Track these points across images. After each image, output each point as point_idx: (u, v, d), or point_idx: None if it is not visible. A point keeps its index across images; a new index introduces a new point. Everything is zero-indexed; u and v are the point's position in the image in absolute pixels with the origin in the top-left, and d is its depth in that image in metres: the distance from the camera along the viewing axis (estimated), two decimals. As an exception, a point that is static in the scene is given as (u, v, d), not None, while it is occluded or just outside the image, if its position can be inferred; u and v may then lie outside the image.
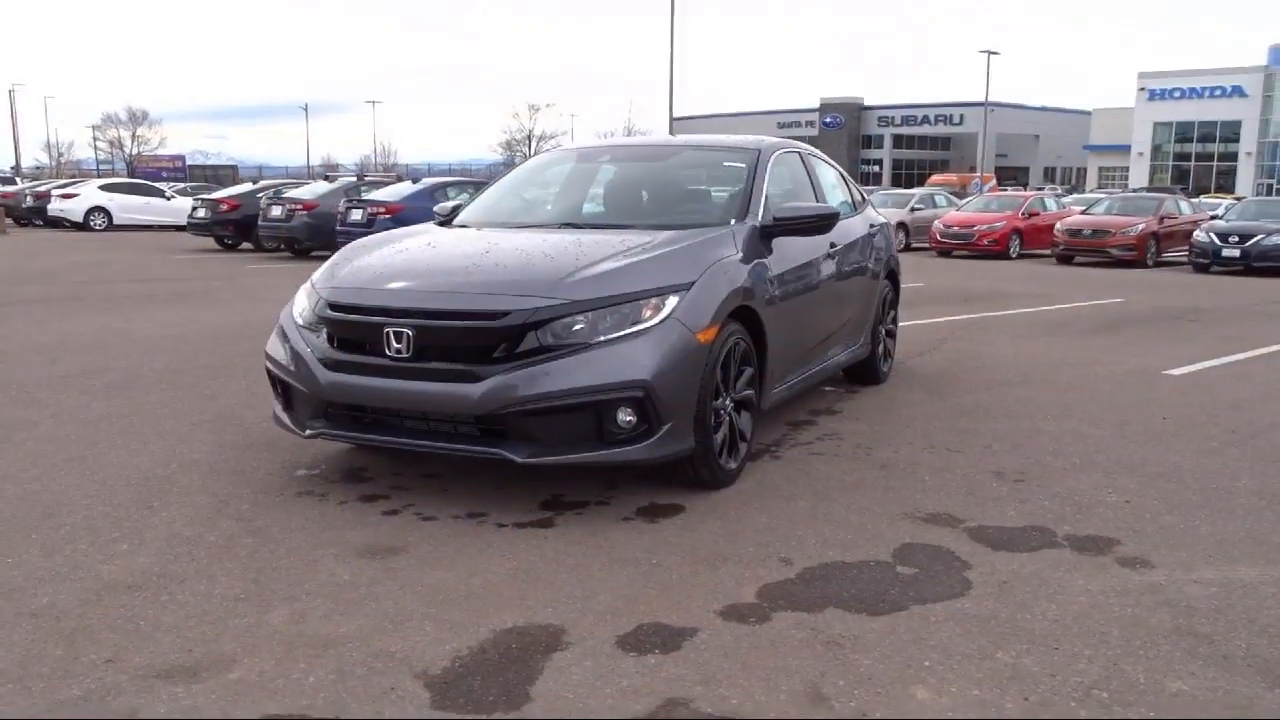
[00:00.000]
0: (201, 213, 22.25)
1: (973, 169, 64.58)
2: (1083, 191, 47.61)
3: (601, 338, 4.10)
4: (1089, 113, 66.79)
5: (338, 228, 18.43)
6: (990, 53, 52.84)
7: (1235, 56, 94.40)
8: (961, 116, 69.80)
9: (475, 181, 21.28)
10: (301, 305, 4.72)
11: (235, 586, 3.49)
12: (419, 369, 4.16)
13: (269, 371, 4.81)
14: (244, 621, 3.22)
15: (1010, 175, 63.38)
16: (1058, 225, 22.86)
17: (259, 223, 20.39)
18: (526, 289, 4.19)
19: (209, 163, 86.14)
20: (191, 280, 15.12)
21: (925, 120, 71.85)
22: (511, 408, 4.02)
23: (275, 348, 4.70)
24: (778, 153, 5.86)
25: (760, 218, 5.21)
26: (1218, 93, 53.89)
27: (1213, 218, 23.20)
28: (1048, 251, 23.50)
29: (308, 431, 4.51)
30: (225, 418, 6.03)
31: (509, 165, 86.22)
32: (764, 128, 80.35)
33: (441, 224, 5.73)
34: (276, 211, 19.93)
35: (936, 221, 24.49)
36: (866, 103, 74.67)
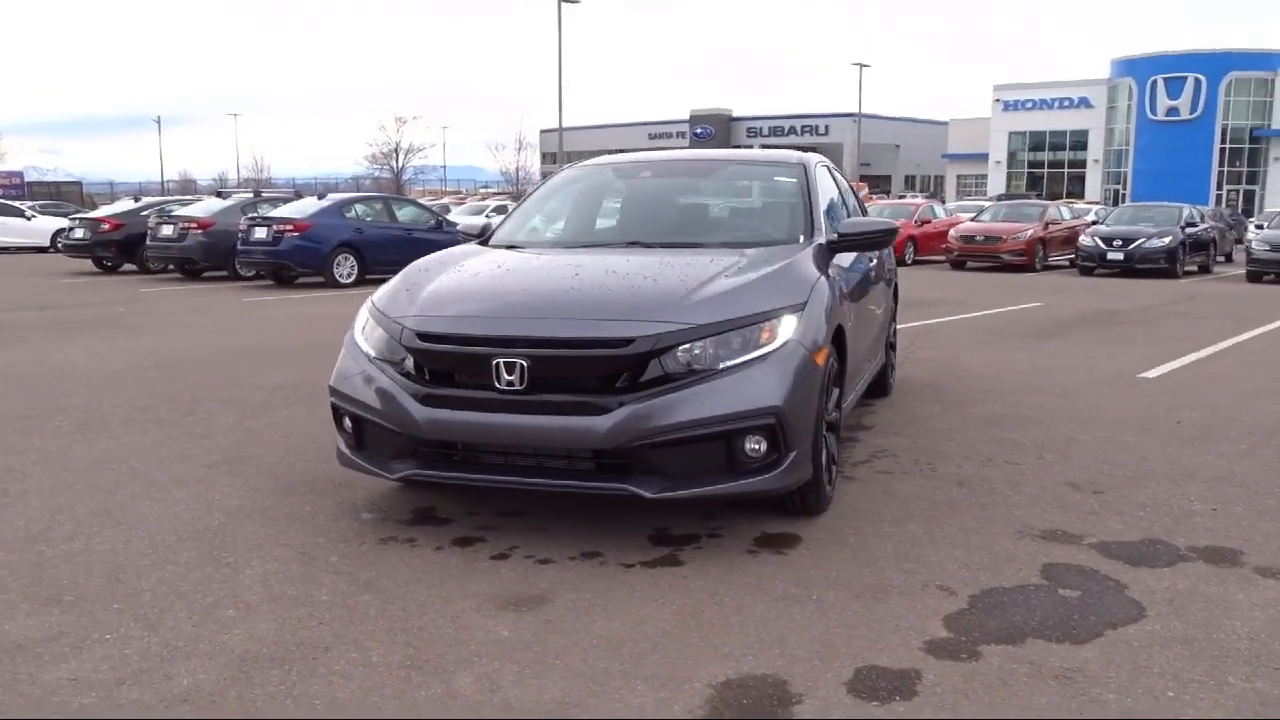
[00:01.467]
0: (79, 233, 20.84)
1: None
2: (943, 199, 49.46)
3: (727, 362, 3.91)
4: (945, 123, 69.50)
5: (239, 246, 17.61)
6: (862, 65, 54.52)
7: (1082, 69, 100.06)
8: (827, 127, 71.66)
9: (384, 197, 20.67)
10: (374, 335, 4.36)
11: (392, 652, 3.16)
12: (535, 402, 3.88)
13: (338, 409, 4.43)
14: (432, 693, 2.91)
15: (874, 184, 65.33)
16: (952, 232, 23.60)
17: (148, 242, 19.22)
18: (645, 313, 3.96)
19: (44, 179, 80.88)
20: (92, 306, 14.11)
21: (792, 131, 73.43)
22: (641, 440, 3.79)
23: (349, 383, 4.32)
24: (816, 166, 5.77)
25: (825, 234, 5.10)
26: (1066, 104, 56.85)
27: (1093, 223, 24.39)
28: (940, 258, 24.23)
29: (396, 474, 4.16)
30: (237, 458, 5.57)
31: (375, 179, 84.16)
32: (636, 138, 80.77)
33: (483, 244, 5.42)
34: (167, 230, 18.83)
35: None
36: (735, 114, 75.96)
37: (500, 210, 34.70)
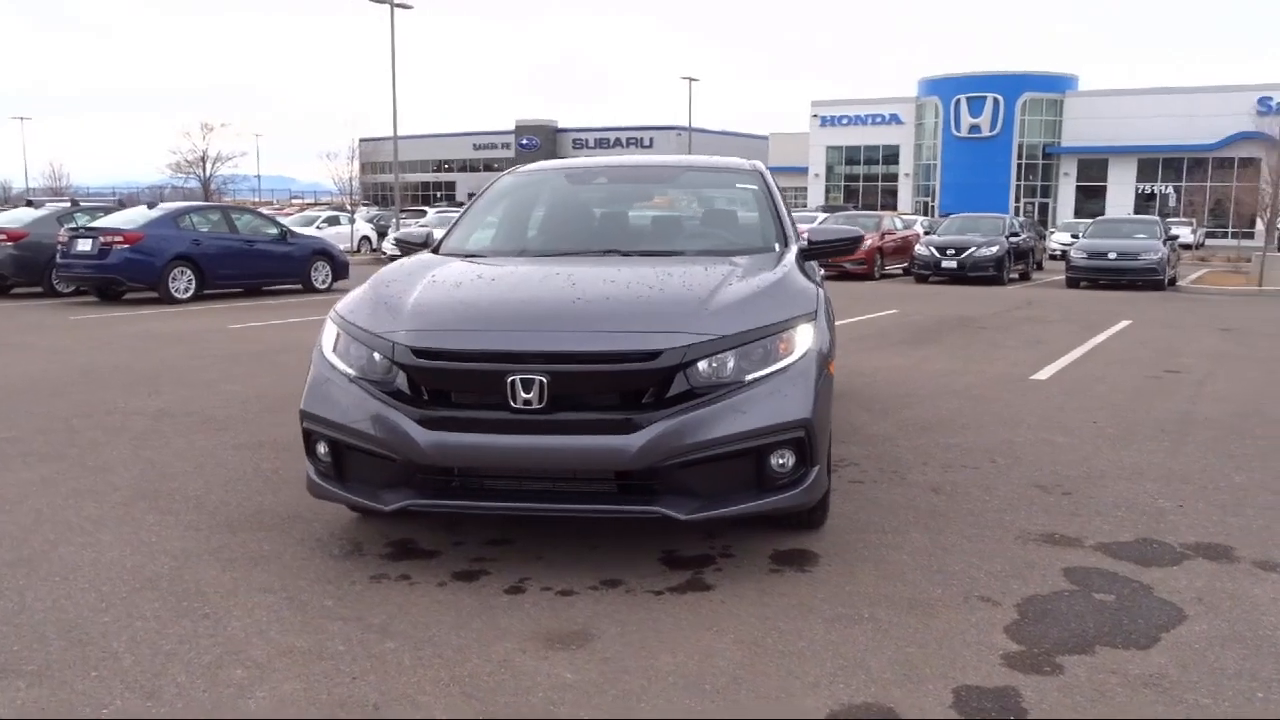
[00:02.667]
0: None
1: (664, 190, 67.25)
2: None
3: (753, 375, 3.73)
4: (765, 137, 71.69)
5: (59, 260, 16.22)
6: (691, 79, 55.44)
7: (893, 87, 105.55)
8: (651, 139, 72.60)
9: (222, 207, 19.41)
10: (352, 353, 3.95)
11: (455, 706, 2.83)
12: (556, 421, 3.59)
13: (311, 434, 3.99)
14: (524, 751, 2.60)
15: (698, 195, 66.58)
16: (795, 242, 24.15)
17: (-53, 256, 17.41)
18: (665, 324, 3.74)
19: None
20: (-104, 326, 12.63)
21: (618, 143, 74.00)
22: (674, 459, 3.57)
23: (326, 406, 3.90)
24: (768, 173, 5.69)
25: (796, 241, 5.01)
26: (879, 120, 59.59)
27: (927, 233, 25.55)
28: (783, 267, 24.77)
29: (391, 505, 3.78)
30: (154, 494, 5.00)
31: (177, 188, 79.39)
32: (460, 148, 79.73)
33: (435, 254, 5.04)
34: (-30, 243, 17.10)
35: None
36: (561, 125, 75.98)
37: (332, 221, 33.44)
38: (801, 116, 62.43)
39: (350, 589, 3.73)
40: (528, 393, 3.59)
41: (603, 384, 3.67)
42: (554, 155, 74.96)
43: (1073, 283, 21.44)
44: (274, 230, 18.07)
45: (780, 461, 3.76)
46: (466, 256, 4.88)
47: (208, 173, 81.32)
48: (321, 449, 3.98)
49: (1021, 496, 4.95)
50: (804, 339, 3.91)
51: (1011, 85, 54.26)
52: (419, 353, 3.74)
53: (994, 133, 54.53)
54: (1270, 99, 48.52)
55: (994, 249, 22.01)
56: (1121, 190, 53.39)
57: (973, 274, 21.84)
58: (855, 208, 50.15)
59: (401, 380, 3.78)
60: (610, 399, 3.68)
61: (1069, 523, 4.54)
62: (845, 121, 60.21)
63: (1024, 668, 3.08)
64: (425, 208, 44.35)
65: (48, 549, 4.19)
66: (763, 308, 3.95)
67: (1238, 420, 6.90)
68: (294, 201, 76.20)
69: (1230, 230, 47.06)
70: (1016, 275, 23.58)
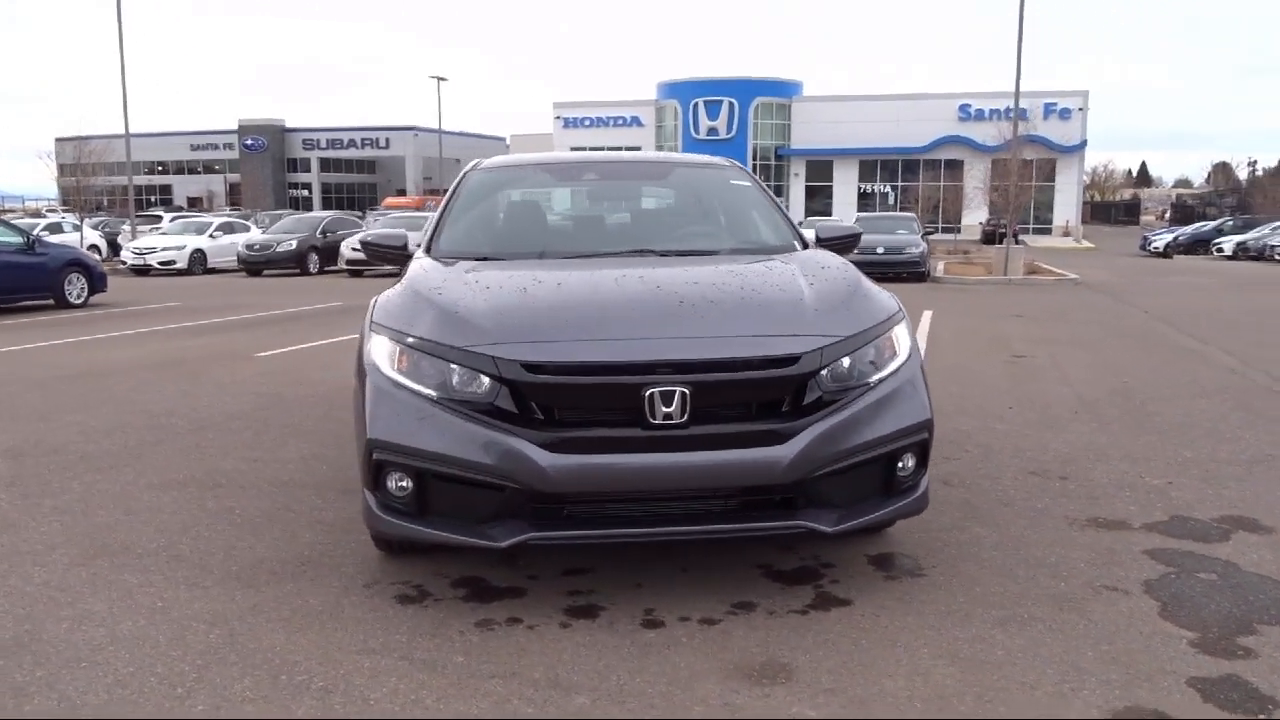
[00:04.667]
0: None
1: (401, 191, 65.81)
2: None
3: (875, 377, 3.59)
4: (504, 139, 71.32)
5: None
6: (440, 79, 54.15)
7: (634, 90, 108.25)
8: (388, 140, 70.41)
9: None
10: (428, 370, 3.43)
11: (729, 764, 2.52)
12: (699, 437, 3.30)
13: (386, 465, 3.44)
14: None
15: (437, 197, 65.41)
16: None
17: None
18: (786, 327, 3.53)
19: None
20: None
21: (352, 144, 71.12)
22: (823, 469, 3.37)
23: (407, 433, 3.37)
24: (748, 169, 5.56)
25: (807, 240, 4.91)
26: (620, 122, 60.67)
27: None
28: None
29: (504, 542, 3.33)
30: (106, 549, 4.24)
31: None
32: (177, 149, 74.14)
33: (429, 256, 4.51)
34: None
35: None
36: (289, 125, 72.02)
37: (54, 229, 30.14)
38: (543, 118, 62.60)
39: (468, 641, 3.27)
40: (668, 406, 3.27)
41: (743, 393, 3.41)
42: (282, 157, 71.26)
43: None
44: (18, 239, 15.99)
45: (903, 465, 3.65)
46: (477, 259, 4.40)
47: None
48: (395, 481, 3.46)
49: (1026, 484, 5.09)
50: (904, 338, 3.81)
51: (745, 90, 56.79)
52: (532, 367, 3.32)
53: (730, 135, 56.85)
54: (969, 105, 53.50)
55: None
56: (846, 190, 57.17)
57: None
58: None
59: (504, 399, 3.35)
60: (742, 410, 3.42)
61: (1095, 506, 4.70)
62: (588, 124, 60.88)
63: (1221, 653, 3.12)
64: (160, 212, 40.74)
65: (33, 629, 3.42)
66: (862, 309, 3.82)
67: (1123, 400, 7.46)
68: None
69: (941, 225, 51.53)
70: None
